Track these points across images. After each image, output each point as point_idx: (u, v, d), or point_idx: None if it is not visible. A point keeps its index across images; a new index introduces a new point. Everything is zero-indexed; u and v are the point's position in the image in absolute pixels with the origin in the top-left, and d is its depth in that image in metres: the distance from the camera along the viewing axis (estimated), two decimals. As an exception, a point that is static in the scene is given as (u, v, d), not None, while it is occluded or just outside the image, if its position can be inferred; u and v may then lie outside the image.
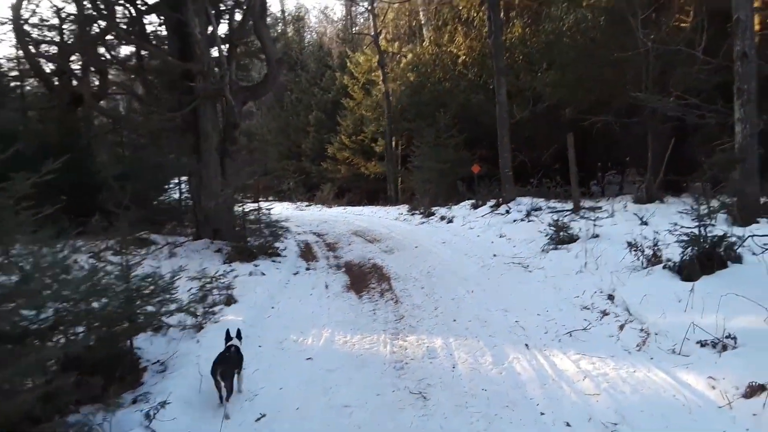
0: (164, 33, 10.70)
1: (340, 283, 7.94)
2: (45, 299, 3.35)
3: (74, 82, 12.45)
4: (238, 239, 9.38)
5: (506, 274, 7.44)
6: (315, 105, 28.13)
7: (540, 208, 11.63)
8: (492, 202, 13.26)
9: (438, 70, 21.50)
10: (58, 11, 12.87)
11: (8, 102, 15.13)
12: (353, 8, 34.86)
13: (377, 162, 23.34)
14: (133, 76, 11.69)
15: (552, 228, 8.40)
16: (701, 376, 3.70)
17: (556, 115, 16.50)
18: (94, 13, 10.24)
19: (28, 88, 16.35)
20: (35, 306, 3.32)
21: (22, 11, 10.66)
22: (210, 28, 9.67)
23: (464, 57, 20.19)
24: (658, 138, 13.41)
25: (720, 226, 6.12)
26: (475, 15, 19.79)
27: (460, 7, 20.30)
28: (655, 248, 6.39)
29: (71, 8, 11.28)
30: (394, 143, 22.27)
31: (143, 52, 10.48)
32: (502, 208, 12.34)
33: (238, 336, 4.52)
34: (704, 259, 5.48)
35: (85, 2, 10.43)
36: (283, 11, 39.42)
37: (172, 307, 4.70)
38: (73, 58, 12.69)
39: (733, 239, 5.60)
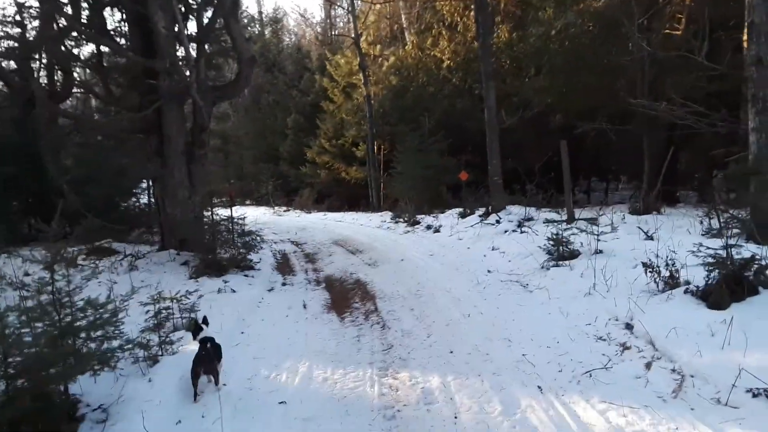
0: (126, 29, 9.82)
1: (320, 302, 7.15)
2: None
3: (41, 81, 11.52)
4: (207, 251, 8.51)
5: (504, 293, 6.72)
6: (293, 107, 27.31)
7: (532, 218, 11.02)
8: (481, 211, 12.60)
9: (421, 74, 20.94)
10: (20, 6, 11.90)
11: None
12: (333, 11, 34.17)
13: (358, 167, 22.56)
14: (93, 75, 10.75)
15: (551, 242, 7.74)
16: (763, 437, 3.03)
17: (544, 122, 16.06)
18: (59, 6, 9.32)
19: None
20: None
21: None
22: (177, 25, 8.83)
23: (448, 61, 19.65)
24: (653, 146, 12.97)
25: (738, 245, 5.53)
26: (459, 20, 19.23)
27: (444, 12, 19.72)
28: (672, 269, 5.75)
29: (34, 2, 10.38)
30: (375, 148, 21.52)
31: (104, 49, 9.56)
32: (492, 218, 11.69)
33: (205, 322, 4.61)
34: (732, 283, 4.85)
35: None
36: (260, 12, 38.53)
37: (115, 344, 3.86)
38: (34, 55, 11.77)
39: (764, 262, 4.98)
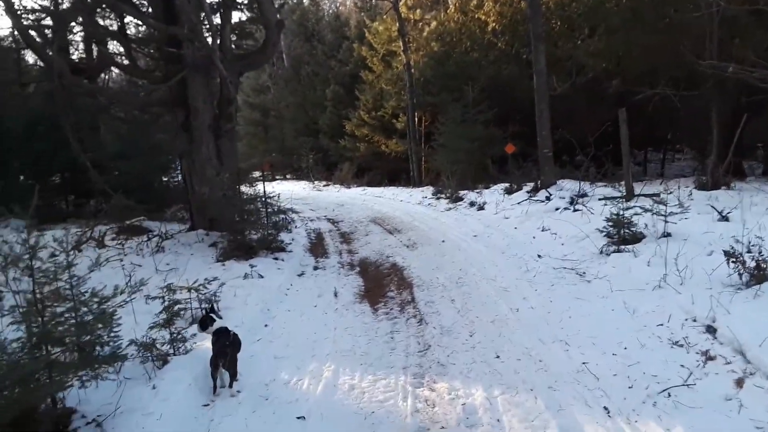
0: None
1: (353, 290, 6.58)
2: None
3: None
4: (236, 232, 8.05)
5: (558, 284, 5.95)
6: (332, 78, 26.52)
7: (585, 195, 10.05)
8: (528, 187, 11.68)
9: (464, 39, 19.74)
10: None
11: (3, 75, 14.05)
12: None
13: (398, 140, 21.71)
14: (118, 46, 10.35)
15: (610, 223, 6.87)
16: None
17: (597, 89, 14.79)
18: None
19: (31, 61, 15.34)
20: None
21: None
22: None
23: (494, 24, 18.36)
24: (722, 114, 11.65)
25: None
26: (504, -23, 17.88)
27: (489, -30, 18.38)
28: (759, 258, 4.86)
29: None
30: (416, 119, 20.60)
31: (126, 19, 9.09)
32: (541, 194, 10.78)
33: (213, 311, 4.37)
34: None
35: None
36: (299, -20, 37.55)
37: (107, 350, 3.36)
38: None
39: None
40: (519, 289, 5.92)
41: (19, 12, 9.69)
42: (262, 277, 6.86)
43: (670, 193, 7.98)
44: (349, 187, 23.23)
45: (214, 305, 4.31)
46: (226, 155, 8.65)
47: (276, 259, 7.87)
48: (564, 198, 10.06)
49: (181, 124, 8.56)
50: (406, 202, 15.44)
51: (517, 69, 17.25)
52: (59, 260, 3.59)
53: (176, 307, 4.51)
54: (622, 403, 3.42)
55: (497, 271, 6.74)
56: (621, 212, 6.84)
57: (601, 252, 6.57)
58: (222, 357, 3.79)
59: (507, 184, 12.47)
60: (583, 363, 4.01)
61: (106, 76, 18.02)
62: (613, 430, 3.15)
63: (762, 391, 3.32)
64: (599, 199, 9.39)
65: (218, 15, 8.56)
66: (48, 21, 10.16)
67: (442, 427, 3.35)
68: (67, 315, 3.23)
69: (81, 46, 15.03)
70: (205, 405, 3.75)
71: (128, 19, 9.47)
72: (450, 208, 12.66)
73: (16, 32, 12.56)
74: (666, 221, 6.52)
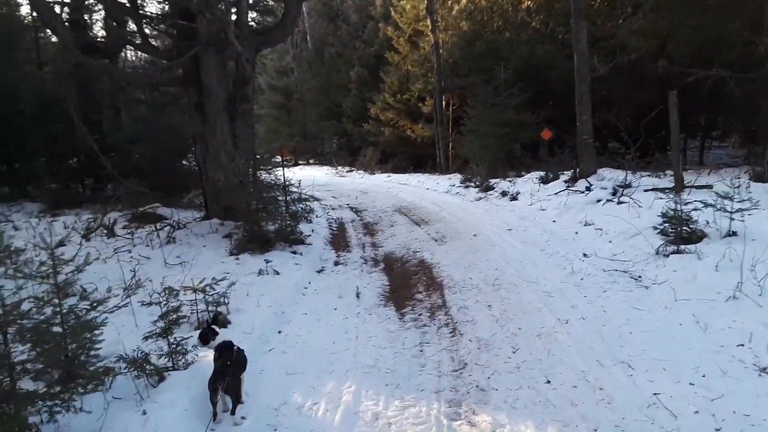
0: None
1: (376, 291, 5.96)
2: None
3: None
4: (251, 222, 7.47)
5: (611, 289, 5.21)
6: (357, 60, 25.73)
7: (630, 185, 9.20)
8: (566, 176, 10.85)
9: (496, 18, 18.77)
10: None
11: (22, 54, 13.70)
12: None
13: (425, 124, 20.88)
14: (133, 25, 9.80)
15: (665, 219, 6.09)
16: None
17: (639, 70, 13.80)
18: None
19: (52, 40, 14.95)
20: None
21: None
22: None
23: (528, 2, 17.36)
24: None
25: None
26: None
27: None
28: None
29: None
30: (444, 103, 19.74)
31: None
32: (581, 184, 9.95)
33: (216, 322, 3.88)
34: None
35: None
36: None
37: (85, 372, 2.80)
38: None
39: None
40: (565, 295, 5.21)
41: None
42: (278, 273, 6.28)
43: (718, 182, 7.15)
44: (373, 173, 22.59)
45: (218, 315, 3.70)
46: (241, 139, 8.05)
47: (294, 252, 7.28)
48: (606, 189, 9.22)
49: (194, 105, 7.99)
50: (432, 191, 14.73)
51: (552, 49, 16.26)
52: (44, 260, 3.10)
53: (176, 314, 3.92)
54: (713, 455, 2.75)
55: (538, 271, 6.03)
56: (679, 207, 6.05)
57: (657, 252, 5.79)
58: (221, 380, 3.22)
59: (542, 173, 11.63)
60: (654, 394, 3.33)
61: (126, 57, 17.66)
62: (707, 495, 2.48)
63: None
64: (645, 191, 8.56)
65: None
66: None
67: (487, 480, 2.72)
68: (34, 333, 2.67)
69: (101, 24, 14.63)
70: (216, 414, 3.22)
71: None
72: (480, 198, 11.91)
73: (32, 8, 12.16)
74: (732, 218, 5.72)
